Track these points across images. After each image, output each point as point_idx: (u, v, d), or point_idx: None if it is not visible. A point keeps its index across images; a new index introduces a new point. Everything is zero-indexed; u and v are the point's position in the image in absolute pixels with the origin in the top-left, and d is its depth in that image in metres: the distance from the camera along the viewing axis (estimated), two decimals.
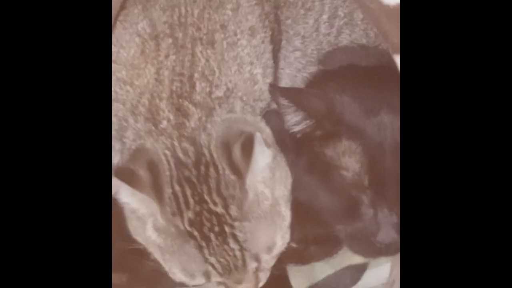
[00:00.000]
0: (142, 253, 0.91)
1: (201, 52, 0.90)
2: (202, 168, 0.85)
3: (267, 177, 0.87)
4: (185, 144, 0.86)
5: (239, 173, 0.84)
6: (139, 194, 0.84)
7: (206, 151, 0.86)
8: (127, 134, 0.91)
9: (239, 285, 0.89)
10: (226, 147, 0.85)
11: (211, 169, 0.85)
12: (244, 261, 0.86)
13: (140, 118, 0.90)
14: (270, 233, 0.88)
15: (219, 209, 0.84)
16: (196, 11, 0.92)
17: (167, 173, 0.86)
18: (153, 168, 0.85)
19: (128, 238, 0.91)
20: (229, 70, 0.91)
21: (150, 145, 0.88)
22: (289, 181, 0.90)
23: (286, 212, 0.89)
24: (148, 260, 0.92)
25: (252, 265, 0.87)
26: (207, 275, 0.87)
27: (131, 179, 0.84)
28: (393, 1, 0.82)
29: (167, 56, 0.90)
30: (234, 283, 0.88)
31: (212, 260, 0.86)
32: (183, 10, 0.92)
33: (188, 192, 0.85)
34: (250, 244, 0.86)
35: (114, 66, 0.90)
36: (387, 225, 0.90)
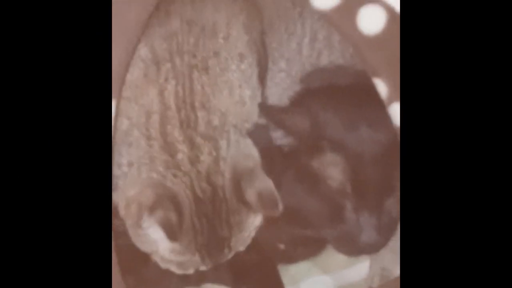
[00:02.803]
0: (145, 257, 0.99)
1: (197, 78, 0.96)
2: (217, 204, 0.93)
3: None
4: (203, 184, 0.93)
5: (250, 208, 0.93)
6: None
7: (220, 191, 0.93)
8: (133, 151, 0.96)
9: None
10: (238, 187, 0.93)
11: (224, 205, 0.93)
12: (229, 255, 0.97)
13: (154, 143, 0.94)
14: (250, 236, 0.98)
15: (226, 234, 0.94)
16: (191, 40, 0.97)
17: (188, 209, 0.93)
18: (178, 208, 0.91)
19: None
20: (221, 94, 0.97)
21: (170, 183, 0.93)
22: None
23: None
24: (149, 263, 1.01)
25: (232, 254, 0.98)
26: (197, 268, 0.98)
27: (168, 227, 0.90)
28: (372, 32, 0.90)
29: (166, 79, 0.95)
30: None
31: (208, 262, 0.96)
32: (180, 39, 0.97)
33: (204, 224, 0.93)
34: (238, 247, 0.97)
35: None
36: (369, 227, 0.97)
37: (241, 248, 0.98)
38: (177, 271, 0.98)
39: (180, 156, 0.94)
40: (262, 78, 1.07)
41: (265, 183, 0.94)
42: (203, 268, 0.98)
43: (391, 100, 0.92)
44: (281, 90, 1.12)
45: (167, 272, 1.02)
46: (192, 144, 0.94)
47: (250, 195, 0.93)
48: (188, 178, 0.93)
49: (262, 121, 1.04)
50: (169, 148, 0.94)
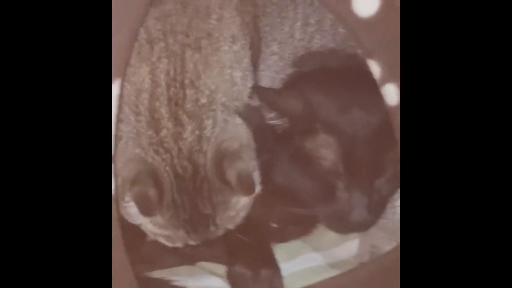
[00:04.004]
0: (141, 234, 1.02)
1: (190, 57, 0.98)
2: (198, 182, 0.96)
3: None
4: (184, 162, 0.95)
5: (231, 188, 0.95)
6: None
7: (202, 170, 0.96)
8: (123, 127, 0.97)
9: None
10: (220, 168, 0.95)
11: (205, 183, 0.96)
12: (217, 233, 1.00)
13: (141, 118, 0.96)
14: (240, 215, 1.01)
15: (209, 211, 0.97)
16: (185, 20, 0.99)
17: (168, 185, 0.96)
18: (158, 184, 0.94)
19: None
20: (212, 72, 0.99)
21: (151, 159, 0.96)
22: (257, 173, 1.00)
23: (251, 199, 1.01)
24: (146, 242, 1.05)
25: (221, 232, 1.01)
26: (186, 243, 1.01)
27: (144, 203, 0.93)
28: (366, 14, 0.92)
29: (159, 58, 0.97)
30: None
31: (195, 237, 0.99)
32: (174, 20, 0.99)
33: (185, 200, 0.96)
34: (225, 225, 1.00)
35: None
36: (360, 206, 1.01)
37: (230, 226, 1.01)
38: (166, 243, 1.00)
39: (164, 132, 0.96)
40: (255, 61, 1.09)
41: (245, 164, 0.96)
42: (191, 242, 1.00)
43: (384, 81, 0.95)
44: (273, 73, 1.15)
45: (163, 250, 1.05)
46: (176, 121, 0.96)
47: (230, 175, 0.95)
48: (169, 155, 0.96)
49: (255, 102, 1.06)
50: (155, 124, 0.96)
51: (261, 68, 1.14)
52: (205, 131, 0.97)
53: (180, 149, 0.96)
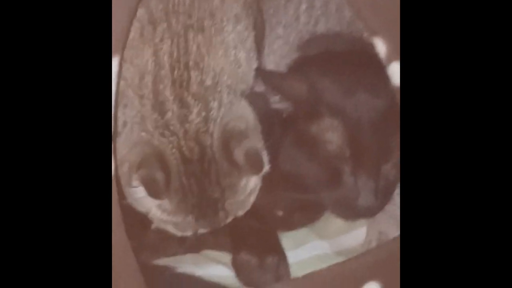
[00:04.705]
0: (146, 222, 1.00)
1: (193, 38, 0.96)
2: (206, 164, 0.95)
3: None
4: (190, 143, 0.94)
5: (239, 169, 0.94)
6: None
7: (209, 151, 0.95)
8: (128, 111, 0.96)
9: None
10: (227, 148, 0.94)
11: (213, 165, 0.95)
12: (226, 220, 0.99)
13: (146, 101, 0.95)
14: (249, 201, 1.00)
15: (217, 195, 0.96)
16: (187, 1, 0.98)
17: (175, 169, 0.94)
18: (165, 167, 0.93)
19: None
20: (216, 54, 0.97)
21: (157, 141, 0.94)
22: (265, 152, 0.98)
23: (259, 181, 1.00)
24: (149, 229, 1.03)
25: (230, 219, 0.99)
26: (196, 231, 0.99)
27: (152, 186, 0.92)
28: None
29: (162, 39, 0.96)
30: None
31: (205, 224, 0.98)
32: (176, 0, 0.97)
33: (193, 184, 0.95)
34: (235, 211, 0.99)
35: None
36: (367, 191, 0.99)
37: (240, 212, 1.00)
38: (176, 232, 0.99)
39: (169, 115, 0.95)
40: (258, 43, 1.07)
41: (252, 143, 0.95)
42: (202, 230, 0.99)
43: (390, 60, 0.94)
44: (278, 58, 1.14)
45: (168, 239, 1.04)
46: (182, 103, 0.95)
47: (238, 154, 0.94)
48: (176, 137, 0.95)
49: (260, 88, 1.05)
50: (159, 107, 0.95)
51: (266, 53, 1.13)
52: (211, 113, 0.96)
53: (186, 131, 0.95)
